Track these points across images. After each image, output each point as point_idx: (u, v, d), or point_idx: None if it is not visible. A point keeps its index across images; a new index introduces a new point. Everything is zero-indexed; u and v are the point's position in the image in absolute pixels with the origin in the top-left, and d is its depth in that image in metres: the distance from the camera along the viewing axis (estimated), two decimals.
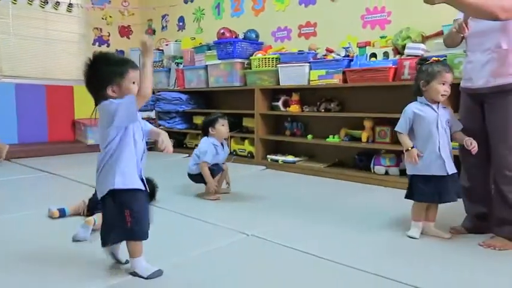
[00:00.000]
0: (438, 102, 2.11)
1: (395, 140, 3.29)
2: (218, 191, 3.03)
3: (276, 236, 2.13)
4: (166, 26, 6.17)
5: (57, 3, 5.67)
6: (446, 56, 2.96)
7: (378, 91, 3.61)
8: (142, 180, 1.67)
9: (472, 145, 2.02)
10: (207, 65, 4.88)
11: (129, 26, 6.44)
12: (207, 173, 2.91)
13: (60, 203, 2.51)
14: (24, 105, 5.22)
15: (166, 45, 5.58)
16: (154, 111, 5.59)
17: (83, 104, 5.37)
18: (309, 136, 4.12)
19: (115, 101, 1.56)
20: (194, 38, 5.40)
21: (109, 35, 6.27)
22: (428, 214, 2.16)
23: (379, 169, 3.51)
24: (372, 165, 3.56)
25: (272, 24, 4.71)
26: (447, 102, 2.28)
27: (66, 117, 5.55)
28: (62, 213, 2.44)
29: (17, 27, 5.43)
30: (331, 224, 2.36)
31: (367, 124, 3.63)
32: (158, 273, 1.66)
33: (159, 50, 5.65)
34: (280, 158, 4.19)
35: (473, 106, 2.11)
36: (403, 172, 3.28)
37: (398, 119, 2.18)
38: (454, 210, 2.30)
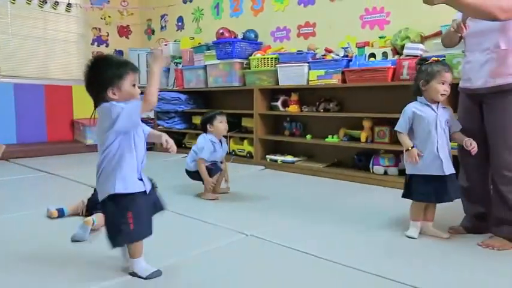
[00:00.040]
0: (438, 102, 2.11)
1: (394, 140, 3.30)
2: (217, 191, 3.03)
3: (275, 236, 2.13)
4: (165, 26, 6.16)
5: (56, 3, 5.66)
6: (445, 56, 2.96)
7: (377, 91, 3.61)
8: (142, 180, 1.66)
9: (472, 146, 2.02)
10: (206, 65, 4.87)
11: (128, 26, 6.43)
12: (203, 170, 2.89)
13: (59, 203, 2.51)
14: (23, 105, 5.22)
15: (166, 45, 5.58)
16: (153, 111, 5.59)
17: (82, 104, 5.38)
18: (308, 136, 4.12)
19: (118, 105, 1.54)
20: (193, 38, 5.40)
21: (108, 35, 6.26)
22: (426, 214, 2.17)
23: (378, 169, 3.51)
24: (370, 165, 3.56)
25: (271, 24, 4.71)
26: (446, 103, 2.29)
27: (65, 117, 5.55)
28: (61, 213, 2.44)
29: (15, 27, 5.42)
30: (330, 224, 2.36)
31: (366, 124, 3.63)
32: (157, 274, 1.66)
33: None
34: (279, 158, 4.19)
35: (472, 106, 2.11)
36: (402, 172, 3.29)
37: (397, 119, 2.18)
38: (453, 210, 2.30)
